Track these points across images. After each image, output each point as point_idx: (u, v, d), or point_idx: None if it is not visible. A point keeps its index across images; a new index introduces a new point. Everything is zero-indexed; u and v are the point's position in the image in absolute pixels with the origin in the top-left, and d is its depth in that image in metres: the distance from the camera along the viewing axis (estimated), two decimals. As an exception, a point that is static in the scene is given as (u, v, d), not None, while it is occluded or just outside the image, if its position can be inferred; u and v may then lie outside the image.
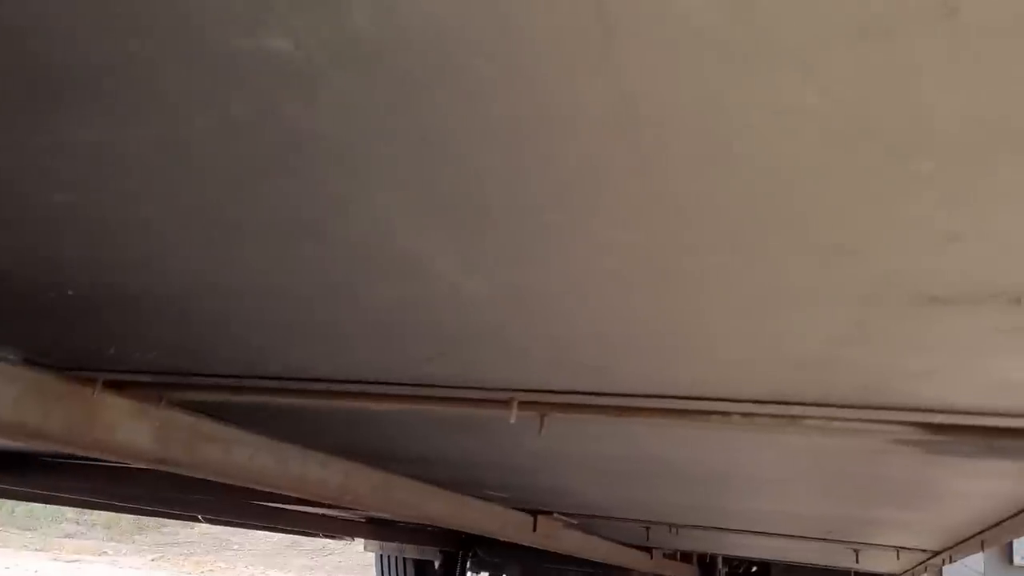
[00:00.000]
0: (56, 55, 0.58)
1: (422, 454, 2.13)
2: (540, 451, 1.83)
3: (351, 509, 3.61)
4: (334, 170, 0.69)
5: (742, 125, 0.56)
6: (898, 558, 3.21)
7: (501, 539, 2.95)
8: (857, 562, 3.46)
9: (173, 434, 1.65)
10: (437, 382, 1.31)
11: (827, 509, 2.31)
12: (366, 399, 1.42)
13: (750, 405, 1.22)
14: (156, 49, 0.56)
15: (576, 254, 0.78)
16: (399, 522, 4.58)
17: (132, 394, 1.55)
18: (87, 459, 2.87)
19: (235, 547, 10.70)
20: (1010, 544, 3.62)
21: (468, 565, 5.21)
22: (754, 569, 5.66)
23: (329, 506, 2.69)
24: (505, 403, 1.33)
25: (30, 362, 1.44)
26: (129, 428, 1.55)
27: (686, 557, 5.03)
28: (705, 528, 3.16)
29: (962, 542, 2.52)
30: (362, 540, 5.56)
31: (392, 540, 4.92)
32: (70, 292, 1.08)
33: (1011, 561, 3.61)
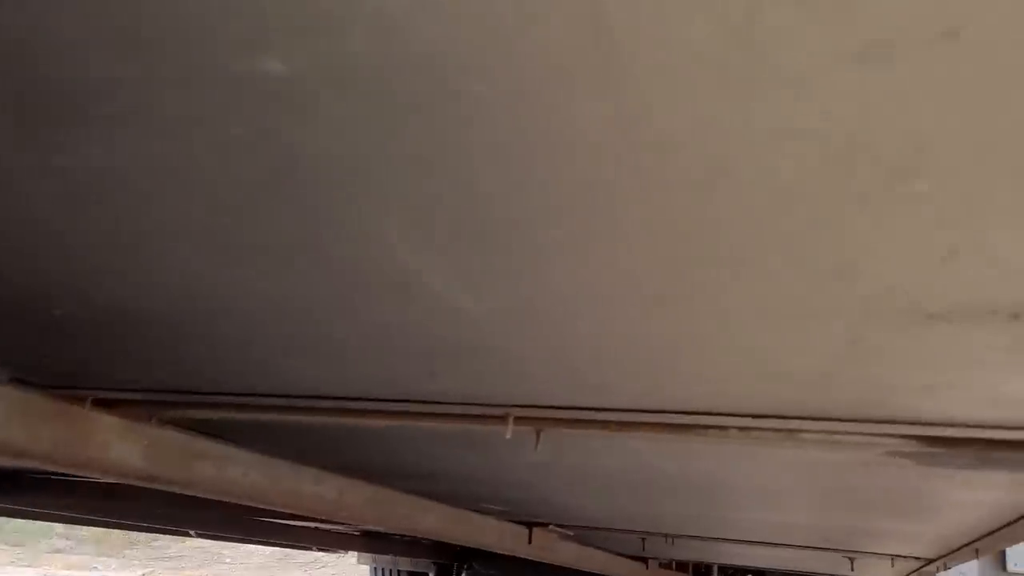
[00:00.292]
0: (50, 78, 0.58)
1: (418, 469, 2.11)
2: (536, 465, 1.83)
3: (346, 523, 3.60)
4: (331, 191, 0.69)
5: (741, 147, 0.55)
6: (893, 566, 3.22)
7: (497, 552, 2.93)
8: (852, 570, 3.46)
9: (165, 452, 1.64)
10: (433, 398, 1.30)
11: (822, 519, 2.31)
12: (362, 416, 1.41)
13: (748, 420, 1.22)
14: (152, 71, 0.56)
15: (574, 273, 0.78)
16: (393, 535, 4.56)
17: (122, 412, 1.54)
18: (77, 476, 2.85)
19: (227, 560, 10.63)
20: (1003, 551, 3.63)
21: (462, 577, 5.18)
22: (749, 576, 5.66)
23: (323, 520, 2.67)
24: (501, 418, 1.32)
25: (17, 381, 1.43)
26: (120, 446, 1.54)
27: (681, 566, 5.02)
28: (701, 538, 3.16)
29: (956, 550, 2.53)
30: (355, 553, 5.54)
31: (386, 552, 4.90)
32: (57, 312, 1.07)
33: (1005, 568, 3.62)
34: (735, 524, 2.68)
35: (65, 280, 0.95)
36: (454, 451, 1.78)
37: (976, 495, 1.63)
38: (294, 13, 0.48)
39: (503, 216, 0.69)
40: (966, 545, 2.35)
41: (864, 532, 2.48)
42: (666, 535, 3.18)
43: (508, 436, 1.31)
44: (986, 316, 0.76)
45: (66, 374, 1.40)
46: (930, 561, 2.97)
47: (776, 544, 3.11)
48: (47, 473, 3.05)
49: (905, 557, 2.99)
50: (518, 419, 1.32)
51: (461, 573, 5.18)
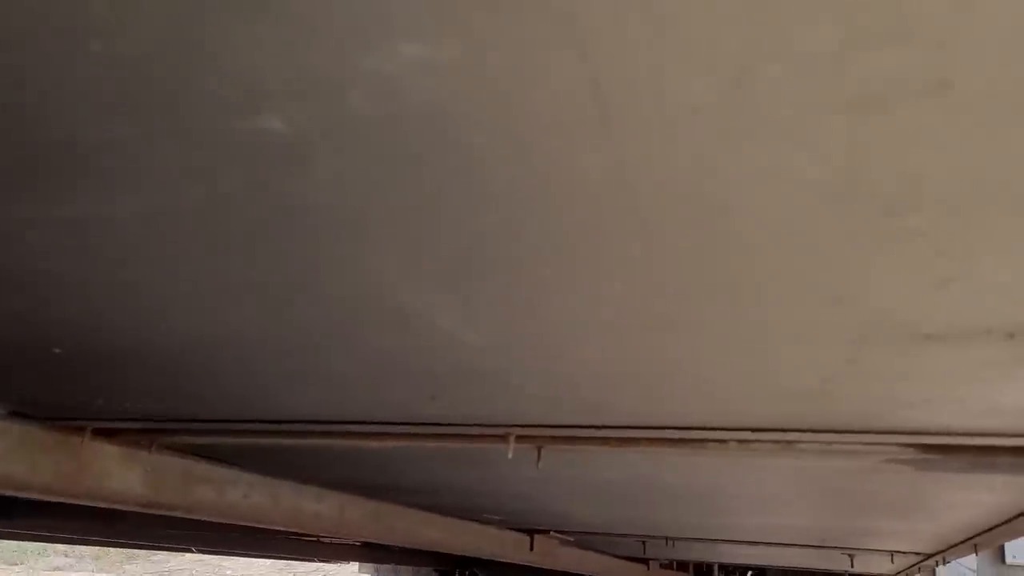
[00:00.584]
0: (45, 135, 0.58)
1: (419, 484, 2.12)
2: (537, 479, 1.83)
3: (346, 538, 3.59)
4: (327, 235, 0.69)
5: (737, 189, 0.56)
6: (892, 561, 3.23)
7: (498, 560, 2.93)
8: (852, 566, 3.48)
9: (165, 478, 1.64)
10: (434, 420, 1.31)
11: (821, 521, 2.32)
12: (362, 438, 1.41)
13: (747, 433, 1.22)
14: (147, 129, 0.56)
15: (573, 305, 0.78)
16: (394, 544, 4.55)
17: (122, 440, 1.54)
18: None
19: (228, 572, 10.61)
20: (1001, 544, 3.65)
21: (464, 584, 5.18)
22: (749, 574, 5.68)
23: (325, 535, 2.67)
24: (502, 438, 1.33)
25: (16, 414, 1.43)
26: (120, 475, 1.54)
27: (682, 566, 5.04)
28: (701, 540, 3.17)
29: (955, 546, 2.54)
30: (356, 564, 5.52)
31: (387, 561, 4.89)
32: (57, 351, 1.07)
33: (1004, 560, 3.64)
34: (735, 527, 2.69)
35: (65, 321, 0.95)
36: (456, 468, 1.78)
37: (973, 496, 1.64)
38: (293, 77, 0.48)
39: (502, 255, 0.69)
40: (965, 541, 2.37)
41: (863, 531, 2.49)
42: (666, 538, 3.19)
43: (510, 456, 1.31)
44: (982, 336, 0.77)
45: (65, 406, 1.40)
46: (929, 556, 2.99)
47: (776, 544, 3.12)
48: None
49: (904, 553, 3.01)
50: (519, 438, 1.32)
51: (462, 579, 5.17)
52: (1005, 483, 1.46)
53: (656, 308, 0.78)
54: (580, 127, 0.50)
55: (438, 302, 0.81)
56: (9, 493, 1.53)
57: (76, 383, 1.27)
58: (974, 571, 3.80)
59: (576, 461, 1.58)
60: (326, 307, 0.85)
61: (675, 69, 0.45)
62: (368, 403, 1.26)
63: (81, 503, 1.60)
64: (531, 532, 3.06)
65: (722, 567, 5.39)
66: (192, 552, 4.16)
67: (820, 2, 0.39)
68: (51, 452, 1.47)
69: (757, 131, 0.49)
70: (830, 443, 1.23)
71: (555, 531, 3.15)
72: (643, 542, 3.40)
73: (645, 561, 4.33)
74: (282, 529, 2.05)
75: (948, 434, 1.15)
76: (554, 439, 1.33)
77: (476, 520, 2.67)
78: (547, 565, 3.25)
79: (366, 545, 4.51)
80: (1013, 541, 3.58)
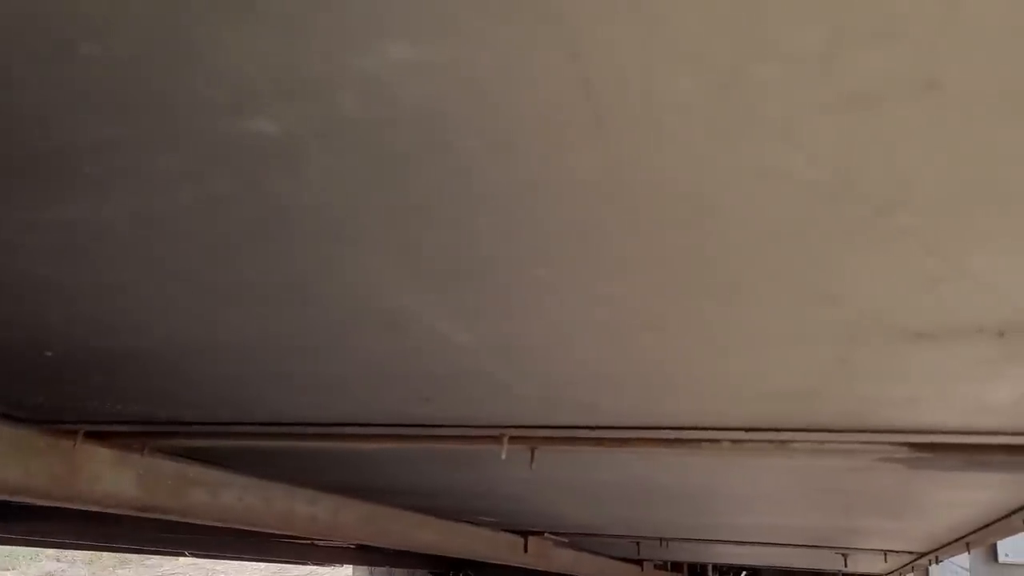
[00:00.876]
0: (35, 138, 0.58)
1: (413, 486, 2.11)
2: (531, 479, 1.83)
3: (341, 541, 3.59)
4: (318, 237, 0.69)
5: (729, 187, 0.56)
6: (885, 560, 3.24)
7: (492, 562, 2.93)
8: (846, 565, 3.49)
9: (158, 481, 1.63)
10: (428, 422, 1.31)
11: (815, 521, 2.32)
12: (356, 440, 1.41)
13: (740, 433, 1.22)
14: (138, 133, 0.56)
15: (567, 306, 0.78)
16: (387, 547, 4.54)
17: (115, 443, 1.53)
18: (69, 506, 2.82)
19: (220, 575, 10.58)
20: (994, 542, 3.66)
21: (458, 585, 5.17)
22: (743, 574, 5.69)
23: (315, 538, 2.66)
24: (496, 439, 1.32)
25: (7, 417, 1.42)
26: (113, 478, 1.53)
27: (676, 567, 5.04)
28: (696, 540, 3.17)
29: (948, 544, 2.55)
30: (350, 567, 5.51)
31: (381, 564, 4.88)
32: (48, 354, 1.06)
33: (996, 559, 3.66)
34: (729, 527, 2.70)
35: (57, 324, 0.94)
36: (450, 469, 1.78)
37: (966, 495, 1.65)
38: (282, 78, 0.48)
39: (496, 256, 0.69)
40: (957, 540, 2.38)
41: (856, 531, 2.50)
42: (661, 539, 3.19)
43: (503, 457, 1.31)
44: (973, 335, 0.78)
45: (57, 409, 1.40)
46: (922, 555, 3.00)
47: (770, 544, 3.13)
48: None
49: (897, 552, 3.02)
50: (513, 439, 1.32)
51: (457, 581, 5.17)
52: (998, 481, 1.46)
53: (651, 308, 0.78)
54: (571, 127, 0.50)
55: (432, 304, 0.81)
56: (2, 498, 1.52)
57: (68, 386, 1.26)
58: (967, 570, 3.81)
59: (570, 462, 1.58)
60: (319, 309, 0.85)
61: (665, 68, 0.45)
62: (362, 405, 1.26)
63: (74, 507, 1.59)
64: (525, 533, 3.05)
65: (716, 567, 5.39)
66: (185, 556, 4.14)
67: (810, 1, 0.39)
68: (43, 455, 1.46)
69: (748, 130, 0.49)
70: (823, 442, 1.23)
71: (549, 532, 3.15)
72: (637, 543, 3.41)
73: (639, 562, 4.33)
74: (276, 532, 2.04)
75: (940, 432, 1.16)
76: (548, 440, 1.33)
77: (470, 522, 2.67)
78: (541, 567, 3.25)
79: (360, 548, 4.50)
80: (1006, 539, 3.59)
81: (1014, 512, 1.80)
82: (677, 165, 0.54)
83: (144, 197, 0.64)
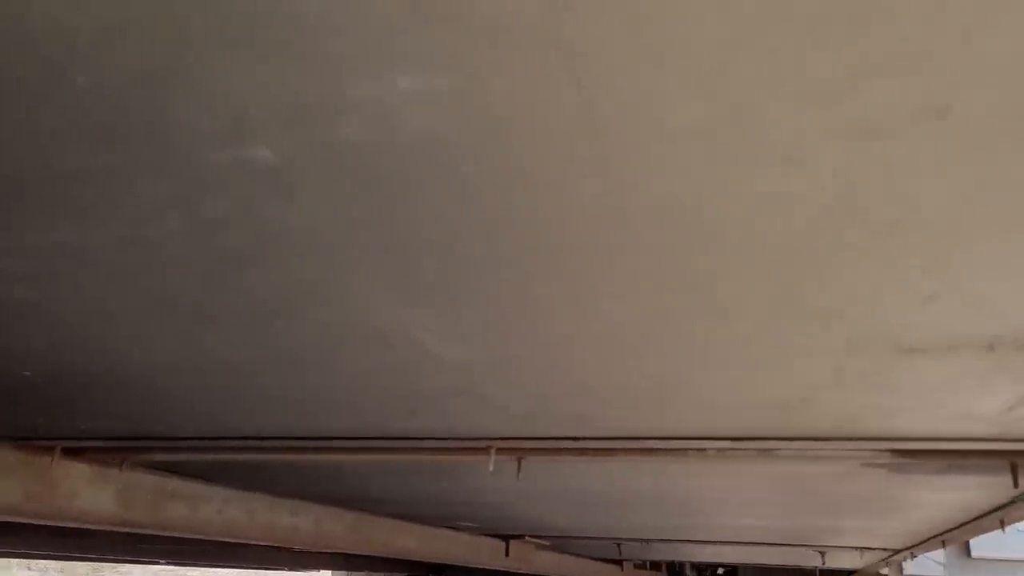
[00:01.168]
0: (23, 163, 0.56)
1: (397, 496, 2.10)
2: (515, 488, 1.82)
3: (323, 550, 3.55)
4: (309, 260, 0.68)
5: (731, 211, 0.56)
6: (862, 557, 3.28)
7: (473, 566, 2.92)
8: (823, 563, 3.52)
9: (136, 495, 1.61)
10: (414, 435, 1.29)
11: (794, 521, 2.34)
12: (340, 453, 1.39)
13: (727, 442, 1.23)
14: (128, 160, 0.54)
15: (565, 324, 0.78)
16: (370, 554, 4.51)
17: (92, 459, 1.50)
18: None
19: (195, 582, 10.44)
20: (969, 537, 3.72)
21: (437, 589, 5.15)
22: (721, 571, 5.72)
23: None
24: (484, 450, 1.32)
25: (-17, 434, 1.39)
26: (90, 494, 1.51)
27: (655, 566, 5.06)
28: (676, 541, 3.18)
29: (923, 542, 2.58)
30: (327, 573, 5.47)
31: (360, 569, 4.85)
32: (27, 373, 1.04)
33: (969, 554, 3.71)
34: (710, 528, 2.71)
35: (38, 346, 0.92)
36: (435, 479, 1.77)
37: (944, 496, 1.66)
38: (282, 104, 0.47)
39: (494, 278, 0.68)
40: (933, 537, 2.40)
41: (835, 530, 2.52)
42: (641, 540, 3.20)
43: (491, 468, 1.30)
44: (962, 349, 0.78)
45: (34, 426, 1.37)
46: (897, 551, 3.03)
47: (749, 543, 3.15)
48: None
49: (873, 549, 3.05)
50: (500, 450, 1.32)
51: (436, 584, 5.15)
52: (976, 483, 1.48)
53: (647, 326, 0.78)
54: (572, 153, 0.50)
55: (425, 324, 0.80)
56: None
57: (46, 404, 1.24)
58: (942, 564, 3.86)
59: (555, 471, 1.57)
60: (307, 330, 0.83)
61: (675, 95, 0.44)
62: (347, 420, 1.24)
63: (52, 524, 1.56)
64: (506, 538, 3.05)
65: (694, 566, 5.43)
66: (161, 564, 4.08)
67: (828, 32, 0.39)
68: (19, 472, 1.43)
69: (754, 156, 0.49)
70: (808, 450, 1.24)
71: (531, 536, 3.14)
72: (618, 544, 3.42)
73: (619, 562, 4.35)
74: (258, 543, 2.02)
75: (923, 439, 1.17)
76: (535, 451, 1.32)
77: (452, 527, 2.66)
78: (523, 570, 3.25)
79: (339, 552, 4.47)
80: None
81: (989, 512, 1.82)
82: (681, 190, 0.54)
83: (133, 223, 0.63)
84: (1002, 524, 1.86)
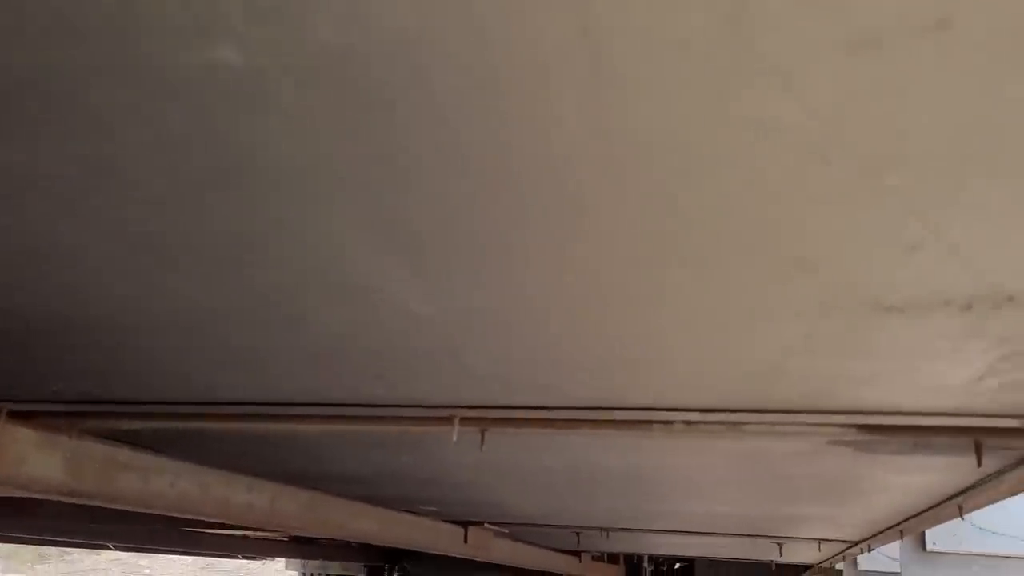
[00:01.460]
0: (-31, 68, 0.52)
1: (355, 473, 2.06)
2: (477, 464, 1.80)
3: (278, 530, 3.50)
4: (279, 191, 0.65)
5: (718, 140, 0.54)
6: (819, 549, 3.31)
7: (433, 552, 2.89)
8: (780, 555, 3.55)
9: (86, 464, 1.55)
10: (379, 402, 1.27)
11: (756, 508, 2.35)
12: (302, 421, 1.36)
13: (694, 414, 1.22)
14: (85, 61, 0.51)
15: (544, 276, 0.76)
16: (322, 539, 4.47)
17: (41, 424, 1.45)
18: (-13, 492, 2.69)
19: (146, 571, 10.27)
20: (924, 531, 3.77)
21: (394, 579, 5.12)
22: (678, 566, 5.75)
23: (254, 528, 2.59)
24: (447, 420, 1.29)
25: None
26: (38, 460, 1.45)
27: (613, 558, 5.07)
28: (635, 530, 3.18)
29: (881, 532, 2.61)
30: (282, 561, 5.41)
31: (315, 557, 4.80)
32: (-25, 322, 0.99)
33: (924, 547, 3.77)
34: (670, 516, 2.71)
35: (-18, 287, 0.88)
36: (395, 454, 1.74)
37: (908, 479, 1.68)
38: (254, -3, 0.44)
39: (472, 221, 0.66)
40: (891, 527, 2.43)
41: (795, 518, 2.54)
42: (601, 528, 3.20)
43: (455, 438, 1.28)
44: (940, 308, 0.77)
45: (-22, 386, 1.31)
46: (855, 543, 3.06)
47: (708, 533, 3.16)
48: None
49: (832, 540, 3.08)
50: (464, 420, 1.29)
51: (392, 574, 5.12)
52: (941, 464, 1.49)
53: (619, 277, 0.76)
54: (562, 67, 0.47)
55: (398, 271, 0.77)
56: (-86, 481, 1.43)
57: (-7, 361, 1.19)
58: (896, 560, 3.92)
59: (519, 445, 1.56)
60: (275, 274, 0.80)
61: (669, 2, 0.42)
62: (310, 384, 1.21)
63: (-5, 492, 1.51)
64: (466, 524, 3.03)
65: (652, 559, 5.45)
66: (109, 549, 4.00)
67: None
68: (-38, 437, 1.38)
69: (745, 71, 0.47)
70: (775, 423, 1.23)
71: (489, 523, 3.12)
72: (578, 534, 3.41)
73: (577, 553, 4.35)
74: (211, 520, 1.97)
75: (891, 413, 1.17)
76: (499, 421, 1.30)
77: (411, 511, 2.63)
78: (481, 557, 3.23)
79: (293, 540, 4.41)
80: (934, 528, 3.70)
81: (950, 498, 1.84)
82: (668, 113, 0.52)
83: (89, 137, 0.59)
84: (960, 511, 1.88)
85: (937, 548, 3.73)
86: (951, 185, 0.57)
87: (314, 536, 3.92)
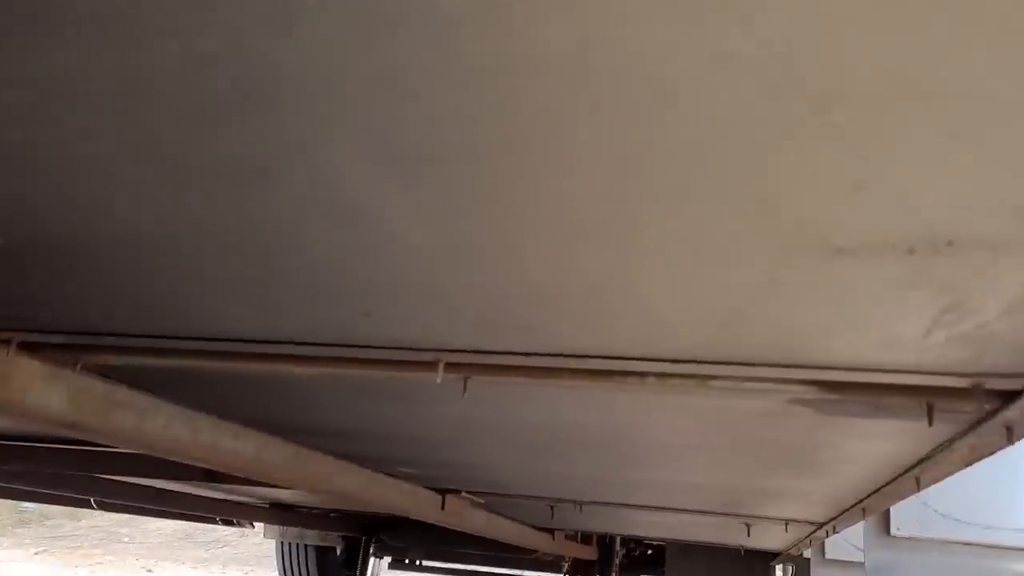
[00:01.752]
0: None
1: (338, 427, 2.14)
2: (459, 419, 1.88)
3: (254, 490, 3.57)
4: (294, 113, 0.72)
5: (686, 71, 0.61)
6: (786, 531, 3.40)
7: (411, 518, 2.97)
8: (749, 536, 3.64)
9: (87, 399, 1.62)
10: (366, 343, 1.34)
11: (724, 479, 2.44)
12: (288, 361, 1.43)
13: (665, 365, 1.29)
14: (131, -24, 0.58)
15: (522, 205, 0.83)
16: (301, 507, 4.54)
17: (46, 357, 1.51)
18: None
19: (125, 539, 10.31)
20: (887, 516, 3.89)
21: (372, 551, 5.20)
22: (649, 552, 5.87)
23: (236, 480, 2.66)
24: (431, 364, 1.37)
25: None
26: (43, 391, 1.51)
27: (586, 539, 5.17)
28: (607, 504, 3.27)
29: (845, 511, 2.70)
30: (260, 532, 5.48)
31: (293, 525, 4.88)
32: (-4, 241, 1.06)
33: (888, 532, 3.88)
34: (642, 487, 2.80)
35: (4, 206, 0.94)
36: (378, 404, 1.81)
37: (866, 447, 1.76)
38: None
39: (459, 143, 0.73)
40: (855, 505, 2.52)
41: (761, 492, 2.62)
42: (575, 502, 3.28)
43: (439, 381, 1.35)
44: (886, 251, 0.85)
45: (-14, 315, 1.38)
46: (820, 525, 3.16)
47: (679, 510, 3.25)
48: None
49: (798, 521, 3.18)
50: (448, 365, 1.36)
51: (369, 546, 5.20)
52: (898, 429, 1.57)
53: (595, 210, 0.83)
54: (551, -8, 0.55)
55: (393, 196, 0.84)
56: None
57: (4, 289, 1.25)
58: (861, 549, 4.03)
59: (501, 397, 1.63)
60: (276, 198, 0.87)
61: (644, -67, 0.50)
62: (300, 320, 1.28)
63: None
64: (443, 492, 3.11)
65: (624, 542, 5.56)
66: (92, 507, 4.06)
67: None
68: (-31, 363, 1.44)
69: (708, 7, 0.55)
70: (740, 378, 1.31)
71: (466, 491, 3.20)
72: (552, 507, 3.49)
73: (551, 531, 4.44)
74: (199, 465, 2.04)
75: (849, 369, 1.25)
76: (482, 368, 1.37)
77: (391, 475, 2.70)
78: (455, 525, 3.31)
79: (273, 507, 4.49)
80: (897, 513, 3.82)
81: (908, 470, 1.93)
82: (644, 46, 0.59)
83: (123, 51, 0.66)
84: (918, 484, 1.97)
85: (901, 533, 3.84)
86: (891, 126, 0.65)
87: (293, 500, 4.00)
